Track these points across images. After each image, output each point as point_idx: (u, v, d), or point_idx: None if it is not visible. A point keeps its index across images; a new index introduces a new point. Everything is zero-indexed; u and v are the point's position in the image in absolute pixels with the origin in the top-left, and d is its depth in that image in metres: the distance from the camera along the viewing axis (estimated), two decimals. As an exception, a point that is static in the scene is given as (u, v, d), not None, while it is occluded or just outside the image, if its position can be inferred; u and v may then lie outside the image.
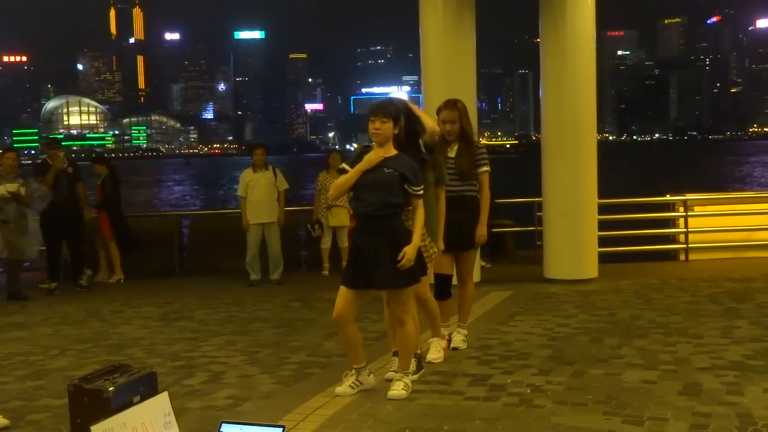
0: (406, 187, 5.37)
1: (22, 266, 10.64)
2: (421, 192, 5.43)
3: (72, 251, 11.00)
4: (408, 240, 5.36)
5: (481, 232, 6.58)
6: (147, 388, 4.12)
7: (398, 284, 5.41)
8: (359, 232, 5.52)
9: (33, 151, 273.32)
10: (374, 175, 5.37)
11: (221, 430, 3.65)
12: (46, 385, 6.14)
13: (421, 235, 5.52)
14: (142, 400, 4.01)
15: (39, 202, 10.39)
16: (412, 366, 5.71)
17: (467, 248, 6.64)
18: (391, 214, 5.38)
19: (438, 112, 6.67)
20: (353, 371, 5.59)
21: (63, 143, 12.08)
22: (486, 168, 6.60)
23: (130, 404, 3.93)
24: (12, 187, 10.09)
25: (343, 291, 5.44)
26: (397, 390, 5.46)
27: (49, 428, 5.09)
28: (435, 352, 6.41)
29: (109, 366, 4.27)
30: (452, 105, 6.62)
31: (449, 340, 6.74)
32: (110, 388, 3.93)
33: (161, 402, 4.07)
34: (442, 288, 6.65)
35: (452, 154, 6.58)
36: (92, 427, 3.63)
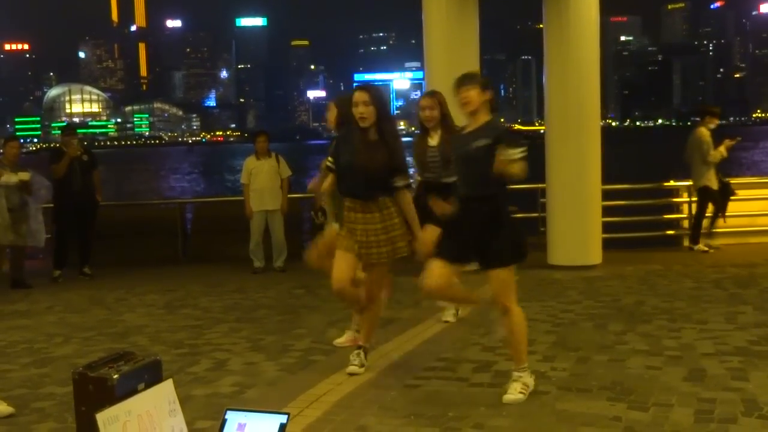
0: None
1: (25, 254, 10.64)
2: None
3: (81, 239, 10.99)
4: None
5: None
6: (152, 375, 4.11)
7: (505, 260, 5.05)
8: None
9: (35, 140, 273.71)
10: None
11: (226, 417, 3.65)
12: (51, 373, 6.15)
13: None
14: (147, 387, 4.00)
15: (43, 194, 10.40)
16: (363, 358, 5.79)
17: None
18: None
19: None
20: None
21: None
22: None
23: (134, 392, 3.92)
24: (24, 175, 10.11)
25: (438, 264, 5.13)
26: (514, 394, 5.00)
27: (54, 416, 5.10)
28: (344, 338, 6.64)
29: (114, 354, 4.26)
30: (431, 93, 6.91)
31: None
32: (115, 376, 3.92)
33: (166, 389, 4.06)
34: None
35: (434, 142, 6.72)
36: (97, 415, 3.62)
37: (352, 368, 5.67)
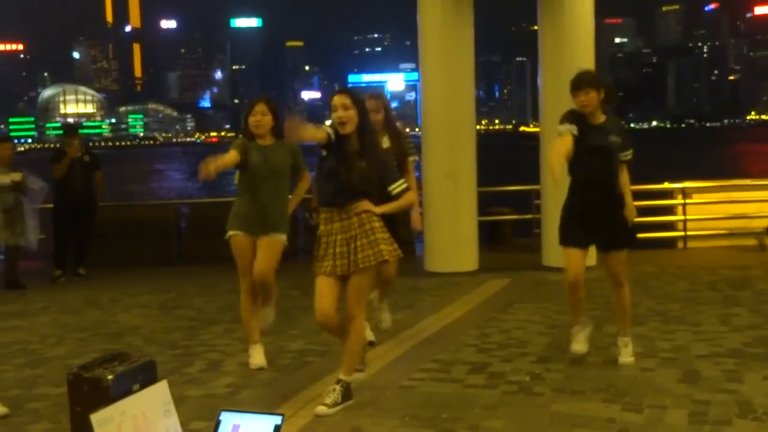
0: None
1: (20, 255, 10.61)
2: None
3: (80, 240, 10.97)
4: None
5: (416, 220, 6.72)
6: (146, 376, 4.10)
7: (629, 244, 5.85)
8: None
9: (29, 140, 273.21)
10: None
11: (220, 418, 3.64)
12: (45, 374, 6.14)
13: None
14: (142, 388, 4.00)
15: (37, 195, 10.39)
16: (337, 396, 5.06)
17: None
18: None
19: None
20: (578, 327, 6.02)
21: (59, 132, 12.00)
22: (414, 157, 6.61)
23: (129, 392, 3.91)
24: (17, 176, 10.11)
25: (574, 252, 5.84)
26: (627, 357, 5.90)
27: (49, 416, 5.09)
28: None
29: (108, 354, 4.26)
30: (376, 96, 6.65)
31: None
32: (109, 377, 3.92)
33: (160, 390, 4.06)
34: None
35: (386, 144, 6.58)
36: (92, 416, 3.61)
37: (320, 409, 4.96)
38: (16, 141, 11.65)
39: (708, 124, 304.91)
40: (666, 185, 13.19)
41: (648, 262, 10.71)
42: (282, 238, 6.08)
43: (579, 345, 5.94)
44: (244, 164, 6.01)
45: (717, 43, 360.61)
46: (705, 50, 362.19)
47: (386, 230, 5.20)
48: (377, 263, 5.09)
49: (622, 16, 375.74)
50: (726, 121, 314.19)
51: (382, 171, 5.17)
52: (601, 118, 5.79)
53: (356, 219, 5.09)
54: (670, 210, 12.92)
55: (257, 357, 6.13)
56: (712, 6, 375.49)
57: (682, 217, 12.46)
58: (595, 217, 5.76)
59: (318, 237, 5.22)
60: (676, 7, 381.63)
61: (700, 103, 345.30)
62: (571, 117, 5.79)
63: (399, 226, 6.15)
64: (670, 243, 12.71)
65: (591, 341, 6.52)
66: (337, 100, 5.10)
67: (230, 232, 6.16)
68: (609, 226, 5.78)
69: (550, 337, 6.75)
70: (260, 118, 6.03)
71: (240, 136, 6.24)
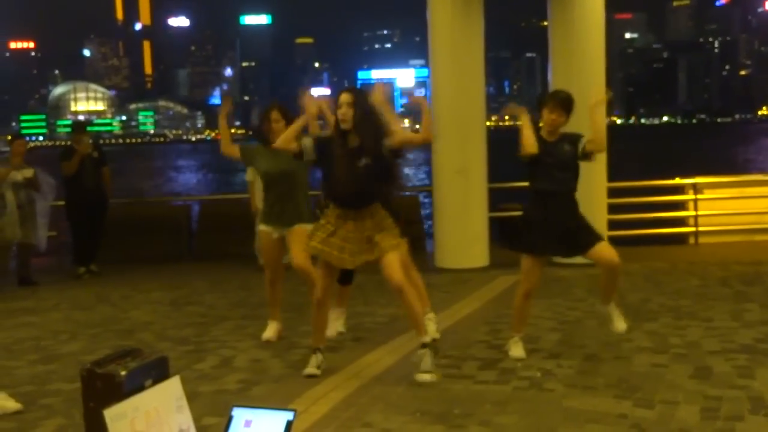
0: None
1: (32, 252, 10.66)
2: None
3: (91, 236, 11.00)
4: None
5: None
6: (158, 372, 4.11)
7: (597, 239, 5.86)
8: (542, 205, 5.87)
9: (41, 138, 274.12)
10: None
11: (233, 414, 3.65)
12: (58, 370, 6.17)
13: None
14: (154, 384, 4.01)
15: (49, 192, 10.43)
16: (429, 360, 5.49)
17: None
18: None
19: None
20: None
21: (70, 129, 12.03)
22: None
23: (142, 388, 3.93)
24: (29, 172, 10.16)
25: (532, 261, 5.85)
26: (621, 323, 6.03)
27: (62, 412, 5.12)
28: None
29: (121, 350, 4.27)
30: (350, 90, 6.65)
31: None
32: (122, 373, 3.93)
33: (173, 386, 4.07)
34: (347, 273, 6.61)
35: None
36: (105, 411, 3.63)
37: (422, 376, 5.40)
38: (27, 138, 11.65)
39: (719, 120, 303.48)
40: (677, 181, 13.16)
41: (659, 258, 10.69)
42: (307, 227, 6.34)
43: (520, 351, 6.04)
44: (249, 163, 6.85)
45: (728, 38, 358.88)
46: (716, 45, 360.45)
47: (397, 228, 5.49)
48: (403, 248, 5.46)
49: (633, 12, 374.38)
50: (737, 116, 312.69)
51: (383, 165, 5.38)
52: (557, 135, 5.95)
53: (370, 221, 5.35)
54: (681, 206, 12.88)
55: (269, 330, 6.87)
56: (724, 1, 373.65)
57: (694, 213, 12.42)
58: (557, 227, 5.84)
59: (322, 225, 5.52)
60: (687, 2, 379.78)
61: (711, 98, 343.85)
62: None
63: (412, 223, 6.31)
64: (681, 239, 12.67)
65: (602, 338, 6.52)
66: (343, 98, 5.39)
67: (259, 227, 6.94)
68: (575, 232, 5.87)
69: (561, 333, 6.75)
70: (275, 125, 6.45)
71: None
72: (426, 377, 5.38)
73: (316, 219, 6.30)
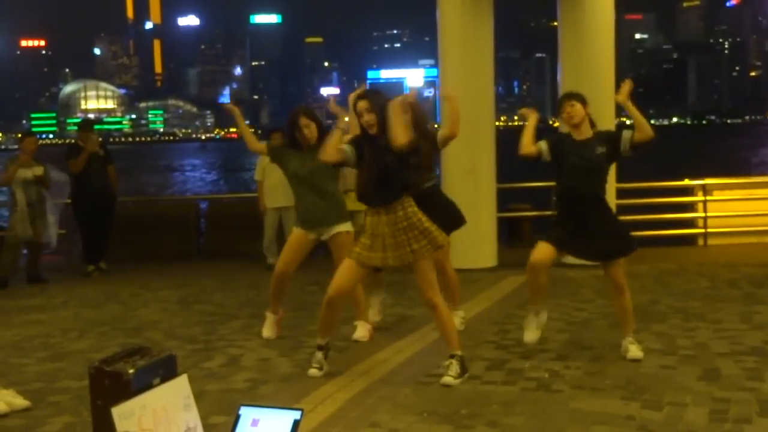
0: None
1: (42, 249, 10.69)
2: None
3: (99, 234, 11.02)
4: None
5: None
6: (166, 370, 4.13)
7: (626, 250, 5.90)
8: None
9: (51, 135, 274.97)
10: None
11: (240, 412, 3.66)
12: (66, 367, 6.19)
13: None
14: (162, 382, 4.02)
15: (61, 189, 10.45)
16: (457, 368, 5.50)
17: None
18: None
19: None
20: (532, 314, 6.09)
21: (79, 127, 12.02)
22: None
23: (149, 387, 3.94)
24: (39, 170, 10.18)
25: (544, 246, 5.94)
26: (636, 352, 5.89)
27: (70, 410, 5.14)
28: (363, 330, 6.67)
29: (129, 348, 4.29)
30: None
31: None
32: (130, 371, 3.95)
33: (181, 384, 4.09)
34: None
35: None
36: (113, 409, 3.65)
37: (447, 379, 5.41)
38: (37, 137, 11.67)
39: (729, 121, 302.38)
40: (686, 182, 13.11)
41: (668, 259, 10.66)
42: (341, 228, 6.49)
43: (531, 334, 6.10)
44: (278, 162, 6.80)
45: (738, 39, 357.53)
46: (726, 46, 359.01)
47: (430, 220, 5.53)
48: (435, 250, 5.46)
49: (643, 12, 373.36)
50: (747, 117, 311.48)
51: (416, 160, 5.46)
52: (589, 133, 5.93)
53: (402, 212, 5.43)
54: (690, 207, 12.84)
55: (268, 328, 6.95)
56: (734, 2, 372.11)
57: (703, 214, 12.38)
58: (584, 230, 5.87)
59: (362, 227, 5.55)
60: (697, 2, 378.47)
61: (721, 99, 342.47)
62: (554, 138, 6.03)
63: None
64: (690, 240, 12.64)
65: (610, 339, 6.51)
66: (361, 105, 5.46)
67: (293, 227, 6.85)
68: (602, 238, 5.85)
69: (568, 334, 6.74)
70: (306, 131, 6.56)
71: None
72: (451, 380, 5.39)
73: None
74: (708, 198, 12.44)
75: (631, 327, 6.04)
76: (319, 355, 5.76)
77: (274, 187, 10.90)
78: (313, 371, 5.71)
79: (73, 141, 11.41)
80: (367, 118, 5.42)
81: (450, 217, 6.74)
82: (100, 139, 11.51)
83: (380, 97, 5.50)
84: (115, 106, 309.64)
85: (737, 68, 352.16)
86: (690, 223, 12.83)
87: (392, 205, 5.44)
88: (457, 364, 5.47)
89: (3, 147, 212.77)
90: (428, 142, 6.42)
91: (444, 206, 6.82)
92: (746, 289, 8.54)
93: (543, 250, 5.93)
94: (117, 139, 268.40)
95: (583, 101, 5.96)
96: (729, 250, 11.48)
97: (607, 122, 10.43)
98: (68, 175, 10.75)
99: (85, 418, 4.73)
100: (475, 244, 10.41)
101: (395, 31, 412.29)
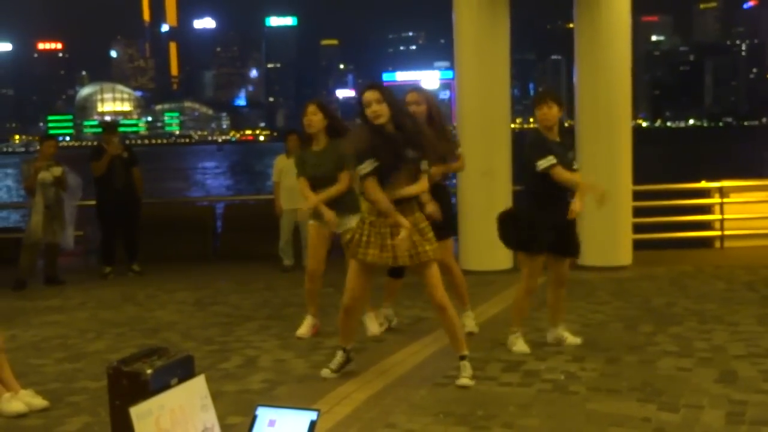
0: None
1: (59, 251, 10.75)
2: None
3: (126, 236, 11.07)
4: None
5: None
6: (184, 371, 4.15)
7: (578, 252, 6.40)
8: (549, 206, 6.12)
9: (67, 138, 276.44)
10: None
11: (257, 413, 3.68)
12: (84, 368, 6.23)
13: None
14: (180, 382, 4.05)
15: (76, 191, 10.52)
16: (470, 369, 5.53)
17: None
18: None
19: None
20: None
21: (96, 130, 12.11)
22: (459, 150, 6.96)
23: (167, 387, 3.97)
24: (58, 171, 10.25)
25: (540, 261, 6.23)
26: (571, 337, 6.43)
27: (88, 410, 5.17)
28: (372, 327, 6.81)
29: (147, 349, 4.32)
30: (418, 89, 6.63)
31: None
32: (148, 371, 3.97)
33: (198, 385, 4.11)
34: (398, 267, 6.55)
35: None
36: (131, 409, 3.68)
37: (464, 381, 5.42)
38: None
39: (746, 123, 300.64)
40: (703, 184, 13.05)
41: (685, 262, 10.62)
42: (353, 221, 6.33)
43: (523, 347, 6.26)
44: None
45: (756, 40, 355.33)
46: (743, 48, 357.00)
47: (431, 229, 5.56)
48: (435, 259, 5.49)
49: (659, 14, 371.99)
50: (764, 119, 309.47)
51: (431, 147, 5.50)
52: (557, 137, 6.18)
53: (411, 217, 5.41)
54: (707, 209, 12.78)
55: (304, 327, 7.09)
56: (751, 3, 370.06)
57: (720, 217, 12.33)
58: (559, 228, 6.14)
59: (363, 222, 5.50)
60: (714, 4, 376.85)
61: (737, 101, 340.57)
62: (542, 146, 6.14)
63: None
64: (707, 242, 12.58)
65: (626, 341, 6.50)
66: (369, 95, 5.38)
67: (309, 222, 6.98)
68: (569, 236, 6.25)
69: (585, 336, 6.72)
70: (311, 117, 6.67)
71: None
72: (467, 381, 5.41)
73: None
74: (725, 200, 12.38)
75: (562, 318, 6.50)
76: (340, 356, 5.75)
77: (290, 188, 10.93)
78: (325, 371, 5.72)
79: (92, 143, 11.47)
80: (376, 108, 5.30)
81: (446, 223, 6.70)
82: (127, 141, 11.56)
83: (391, 92, 5.47)
84: (132, 109, 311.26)
85: (754, 70, 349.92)
86: (707, 226, 12.77)
87: (410, 206, 5.43)
88: (469, 364, 5.50)
89: (23, 150, 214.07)
90: (440, 138, 6.43)
91: (446, 207, 6.77)
92: (763, 291, 8.50)
93: (540, 272, 6.34)
94: (133, 142, 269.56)
95: (560, 103, 6.15)
96: (746, 252, 11.42)
97: (624, 124, 10.44)
98: (86, 177, 10.81)
99: (103, 418, 4.76)
100: (491, 245, 10.36)
101: (411, 33, 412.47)
